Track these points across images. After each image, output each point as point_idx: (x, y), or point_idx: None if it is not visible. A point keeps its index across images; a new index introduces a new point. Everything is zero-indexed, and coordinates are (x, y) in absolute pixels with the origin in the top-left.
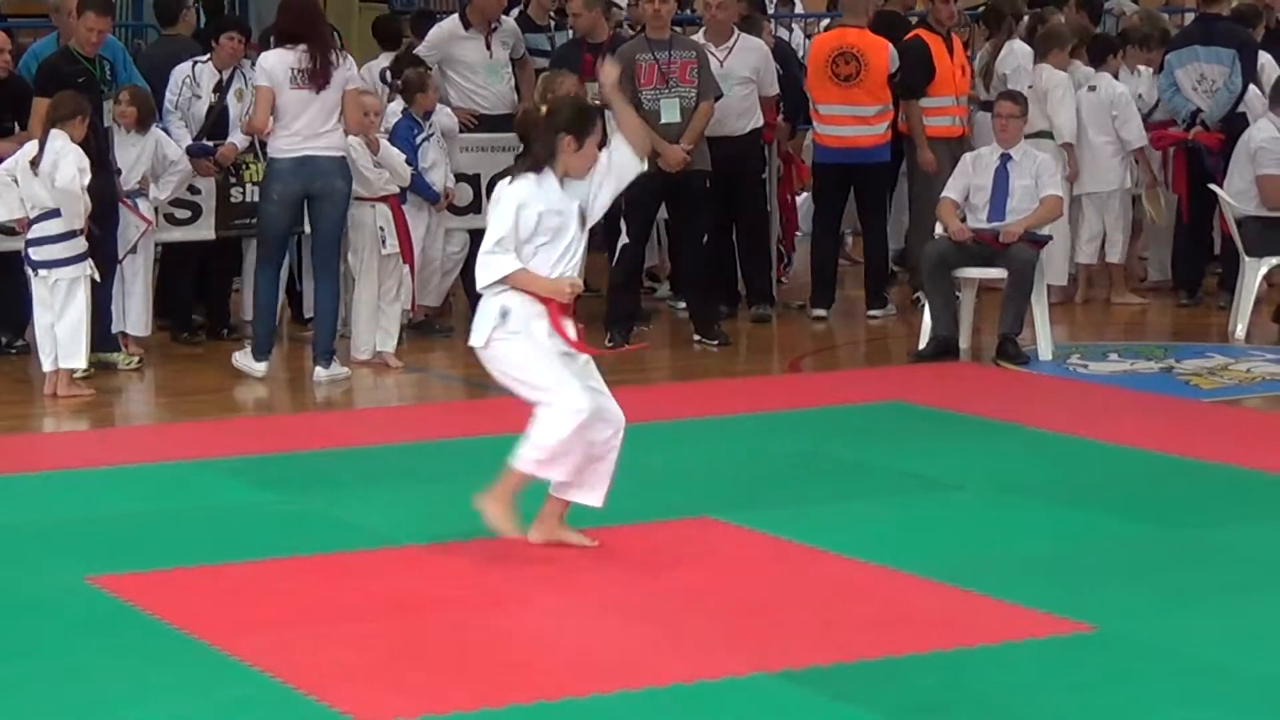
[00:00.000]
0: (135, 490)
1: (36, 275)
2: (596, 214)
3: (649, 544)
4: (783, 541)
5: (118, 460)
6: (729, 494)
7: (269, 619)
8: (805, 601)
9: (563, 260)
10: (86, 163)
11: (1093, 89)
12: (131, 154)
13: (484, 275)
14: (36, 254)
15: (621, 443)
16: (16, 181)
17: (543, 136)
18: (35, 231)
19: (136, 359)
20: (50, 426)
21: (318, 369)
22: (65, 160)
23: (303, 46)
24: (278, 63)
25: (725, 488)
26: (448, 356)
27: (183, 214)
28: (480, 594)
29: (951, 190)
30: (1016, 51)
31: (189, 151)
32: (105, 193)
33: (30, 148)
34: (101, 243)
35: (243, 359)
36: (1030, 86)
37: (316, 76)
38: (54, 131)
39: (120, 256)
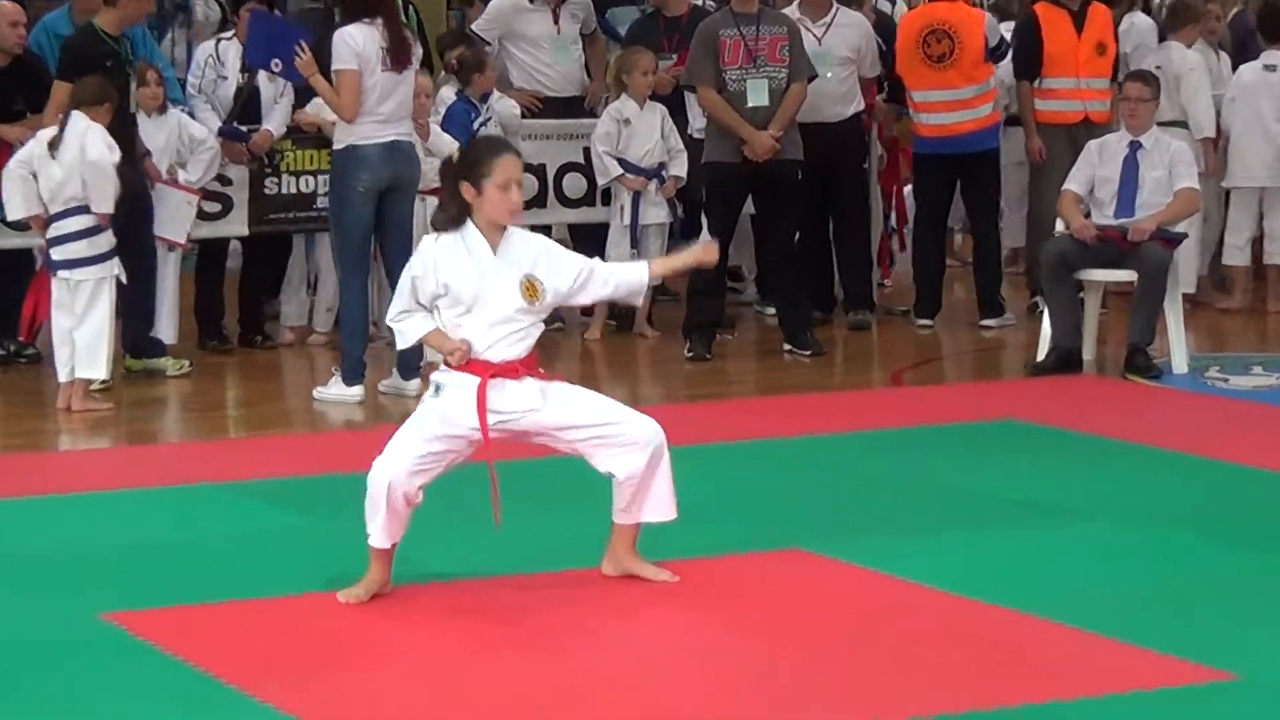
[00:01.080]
0: (155, 516)
1: (55, 276)
2: (566, 301)
3: (733, 579)
4: (883, 576)
5: (137, 483)
6: (823, 523)
7: (301, 660)
8: (907, 645)
9: (498, 329)
10: (113, 141)
11: (1271, 68)
12: (159, 138)
13: (400, 341)
14: (58, 253)
15: (664, 454)
16: (35, 176)
17: (448, 186)
18: (55, 230)
19: (187, 364)
20: (64, 444)
21: (357, 388)
22: (93, 134)
23: (380, 21)
24: (366, 41)
25: (818, 516)
26: None
27: (212, 208)
28: (540, 633)
29: (1074, 182)
30: (1138, 27)
31: (221, 134)
32: (135, 184)
33: (46, 133)
34: (135, 238)
35: (333, 390)
36: (1158, 68)
37: (400, 55)
38: (75, 113)
39: (183, 240)
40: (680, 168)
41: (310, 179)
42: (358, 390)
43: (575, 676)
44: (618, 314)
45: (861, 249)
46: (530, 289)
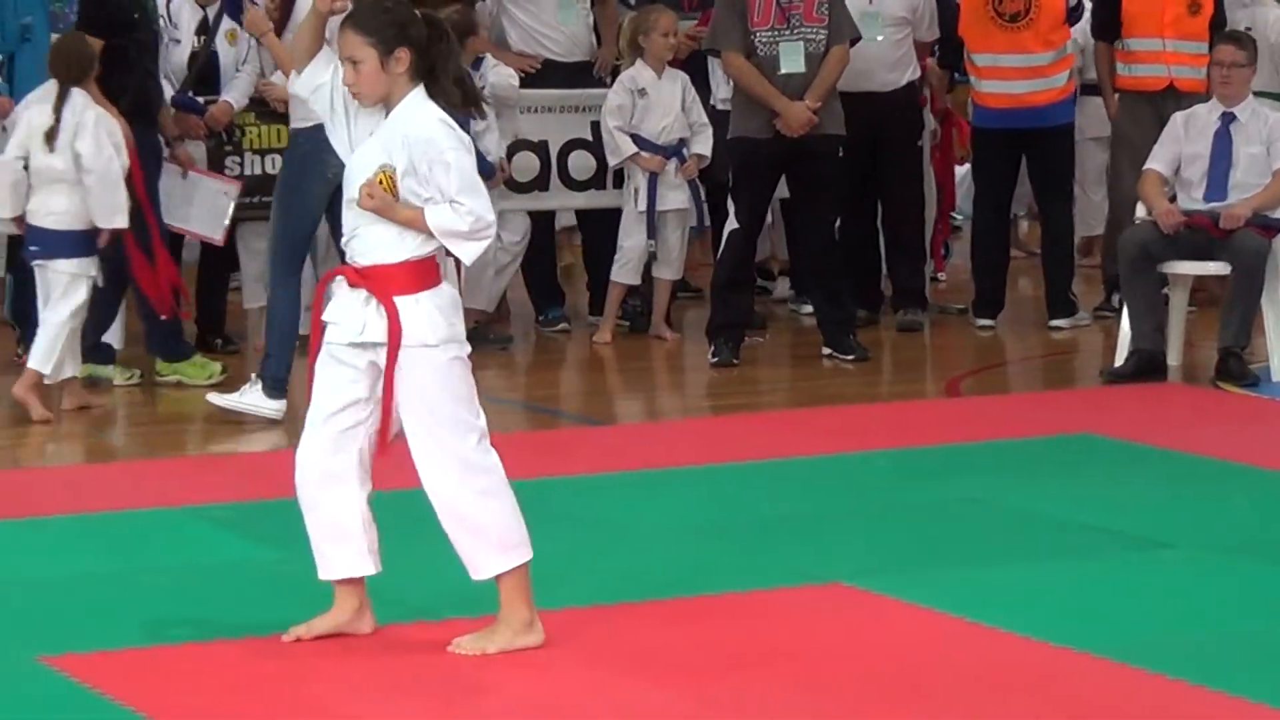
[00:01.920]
0: (104, 544)
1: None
2: None
3: (763, 618)
4: (936, 614)
5: (83, 507)
6: (867, 554)
7: (271, 711)
8: (964, 691)
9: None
10: (121, 135)
11: None
12: None
13: None
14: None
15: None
16: (26, 167)
17: None
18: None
19: (138, 374)
20: (3, 462)
21: (280, 401)
22: (99, 128)
23: None
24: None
25: (863, 546)
26: (504, 375)
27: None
28: (546, 684)
29: (1157, 161)
30: None
31: (174, 105)
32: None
33: (39, 116)
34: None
35: (249, 398)
36: (1248, 29)
37: None
38: (73, 91)
39: (219, 237)
40: (704, 145)
41: (277, 158)
42: (281, 404)
43: None
44: (631, 314)
45: (913, 239)
46: (381, 185)
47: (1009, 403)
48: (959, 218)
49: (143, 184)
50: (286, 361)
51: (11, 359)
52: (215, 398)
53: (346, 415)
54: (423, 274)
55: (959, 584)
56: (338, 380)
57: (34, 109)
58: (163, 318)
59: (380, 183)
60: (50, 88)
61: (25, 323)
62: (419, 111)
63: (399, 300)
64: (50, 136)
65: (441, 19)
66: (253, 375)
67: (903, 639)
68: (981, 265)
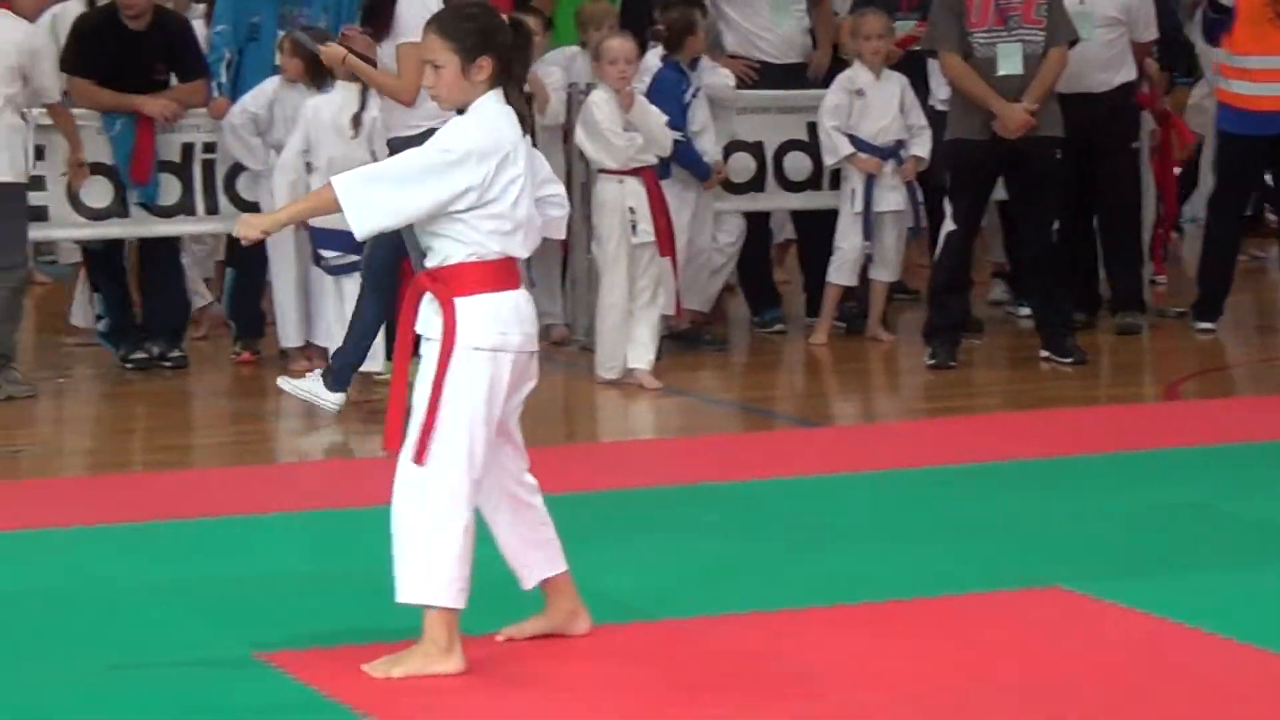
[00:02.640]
0: (313, 543)
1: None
2: None
3: (980, 621)
4: (1157, 620)
5: (289, 505)
6: (1087, 558)
7: (481, 709)
8: (1187, 698)
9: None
10: None
11: None
12: None
13: None
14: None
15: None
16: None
17: None
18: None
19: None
20: (209, 460)
21: (339, 395)
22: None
23: None
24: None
25: (1082, 550)
26: (719, 376)
27: None
28: (748, 685)
29: None
30: None
31: None
32: None
33: (340, 96)
34: None
35: (308, 384)
36: None
37: None
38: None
39: None
40: (922, 147)
41: None
42: (339, 398)
43: None
44: (847, 315)
45: (1131, 241)
46: None
47: (1232, 407)
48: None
49: None
50: (354, 362)
51: (230, 356)
52: (283, 381)
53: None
54: (482, 276)
55: (1181, 590)
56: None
57: (320, 103)
58: None
59: None
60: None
61: (243, 319)
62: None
63: (457, 301)
64: (357, 122)
65: (526, 22)
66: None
67: (1123, 644)
68: (1210, 269)
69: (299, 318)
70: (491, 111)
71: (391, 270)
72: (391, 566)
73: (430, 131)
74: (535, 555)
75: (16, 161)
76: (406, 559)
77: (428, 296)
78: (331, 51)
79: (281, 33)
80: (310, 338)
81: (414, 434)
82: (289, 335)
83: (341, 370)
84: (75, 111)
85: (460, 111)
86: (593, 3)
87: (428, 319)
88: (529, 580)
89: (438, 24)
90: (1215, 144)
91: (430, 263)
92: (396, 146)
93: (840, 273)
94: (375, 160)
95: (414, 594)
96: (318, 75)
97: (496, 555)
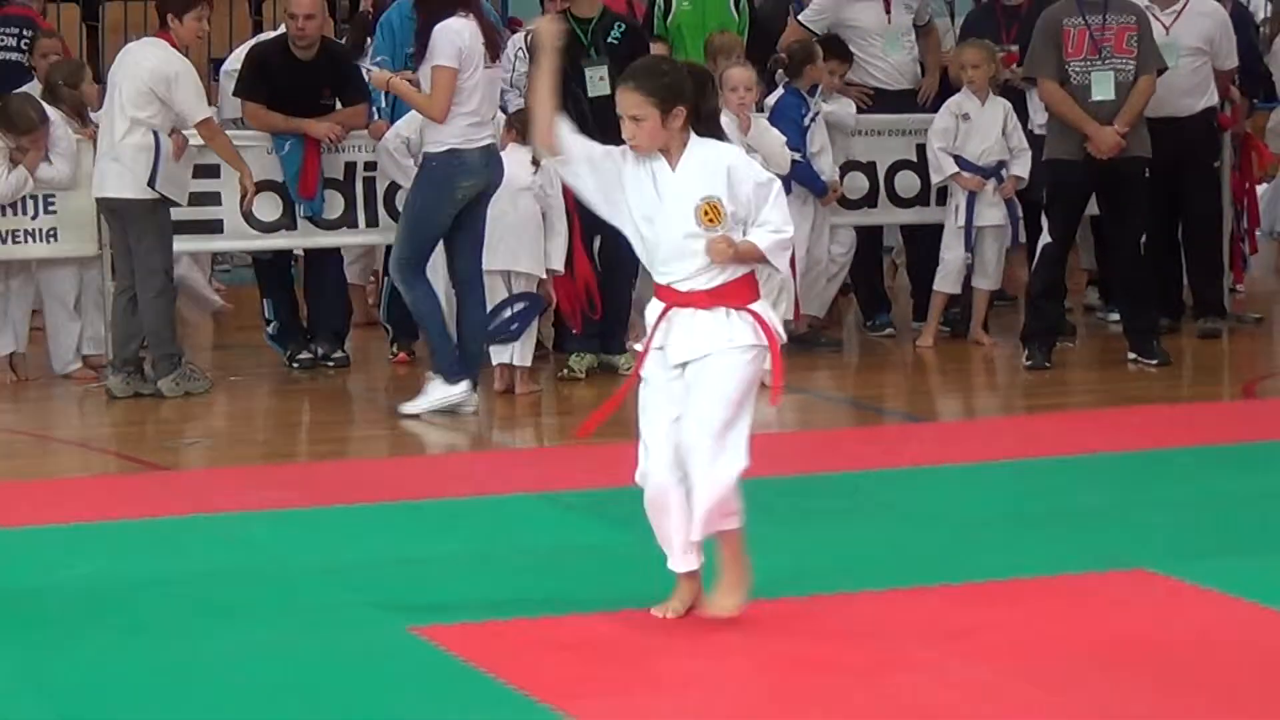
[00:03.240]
0: (463, 527)
1: None
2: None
3: (1072, 600)
4: (1233, 600)
5: (448, 492)
6: (1170, 542)
7: (620, 679)
8: (1259, 671)
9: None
10: None
11: None
12: None
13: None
14: None
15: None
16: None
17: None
18: None
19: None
20: (369, 452)
21: (461, 384)
22: None
23: (472, 14)
24: (472, 36)
25: (1165, 534)
26: (834, 375)
27: None
28: (864, 659)
29: None
30: None
31: None
32: None
33: None
34: None
35: (435, 395)
36: None
37: (494, 49)
38: None
39: None
40: (1022, 167)
41: None
42: (463, 387)
43: (894, 702)
44: (951, 320)
45: (1212, 252)
46: (708, 213)
47: None
48: (1262, 232)
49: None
50: (449, 349)
51: (386, 358)
52: (407, 406)
53: (674, 430)
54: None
55: (1261, 573)
56: (663, 401)
57: None
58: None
59: (706, 212)
60: None
61: (399, 323)
62: (719, 148)
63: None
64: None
65: (705, 70)
66: (428, 376)
67: (1204, 623)
68: None
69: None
70: (725, 144)
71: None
72: (528, 548)
73: (453, 151)
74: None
75: (139, 178)
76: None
77: (702, 311)
78: (378, 76)
79: None
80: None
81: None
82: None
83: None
84: (247, 133)
85: (665, 154)
86: (721, 34)
87: (715, 330)
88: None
89: (634, 81)
90: None
91: (707, 282)
92: (425, 162)
93: (945, 281)
94: None
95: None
96: None
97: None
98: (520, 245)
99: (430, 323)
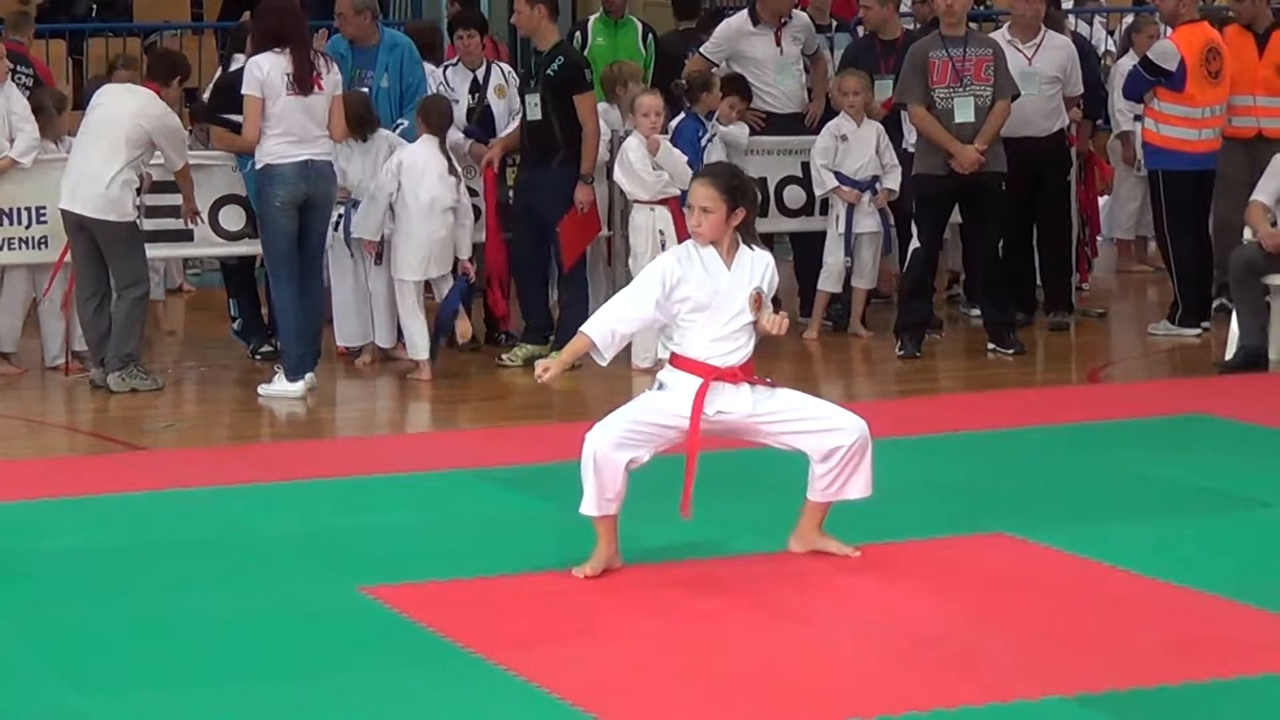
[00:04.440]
0: (408, 499)
1: None
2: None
3: (939, 561)
4: (1080, 559)
5: (393, 469)
6: (1024, 510)
7: (548, 634)
8: (1103, 623)
9: (722, 336)
10: None
11: None
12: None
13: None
14: None
15: (868, 442)
16: None
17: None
18: None
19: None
20: (325, 433)
21: (298, 383)
22: None
23: (288, 50)
24: (271, 69)
25: (1020, 503)
26: None
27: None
28: (766, 614)
29: (1263, 193)
30: None
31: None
32: None
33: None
34: None
35: (276, 386)
36: None
37: (305, 81)
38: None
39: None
40: (893, 181)
41: None
42: (300, 386)
43: (791, 652)
44: (833, 316)
45: (1062, 255)
46: (757, 301)
47: (1140, 389)
48: (1102, 238)
49: None
50: (298, 350)
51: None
52: (262, 388)
53: (642, 446)
54: None
55: (1100, 535)
56: (653, 432)
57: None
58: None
59: (756, 300)
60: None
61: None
62: (760, 253)
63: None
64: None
65: (752, 183)
66: (275, 368)
67: (1052, 580)
68: (1186, 281)
69: (359, 321)
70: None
71: (288, 260)
72: (466, 518)
73: (268, 167)
74: None
75: (124, 206)
76: (867, 473)
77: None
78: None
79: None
80: (372, 339)
81: None
82: (349, 336)
83: (292, 361)
84: (214, 153)
85: (717, 248)
86: (619, 64)
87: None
88: None
89: (712, 178)
90: (1159, 184)
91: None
92: (257, 178)
93: (828, 282)
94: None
95: (868, 489)
96: (361, 130)
97: None
98: (435, 255)
99: (282, 323)
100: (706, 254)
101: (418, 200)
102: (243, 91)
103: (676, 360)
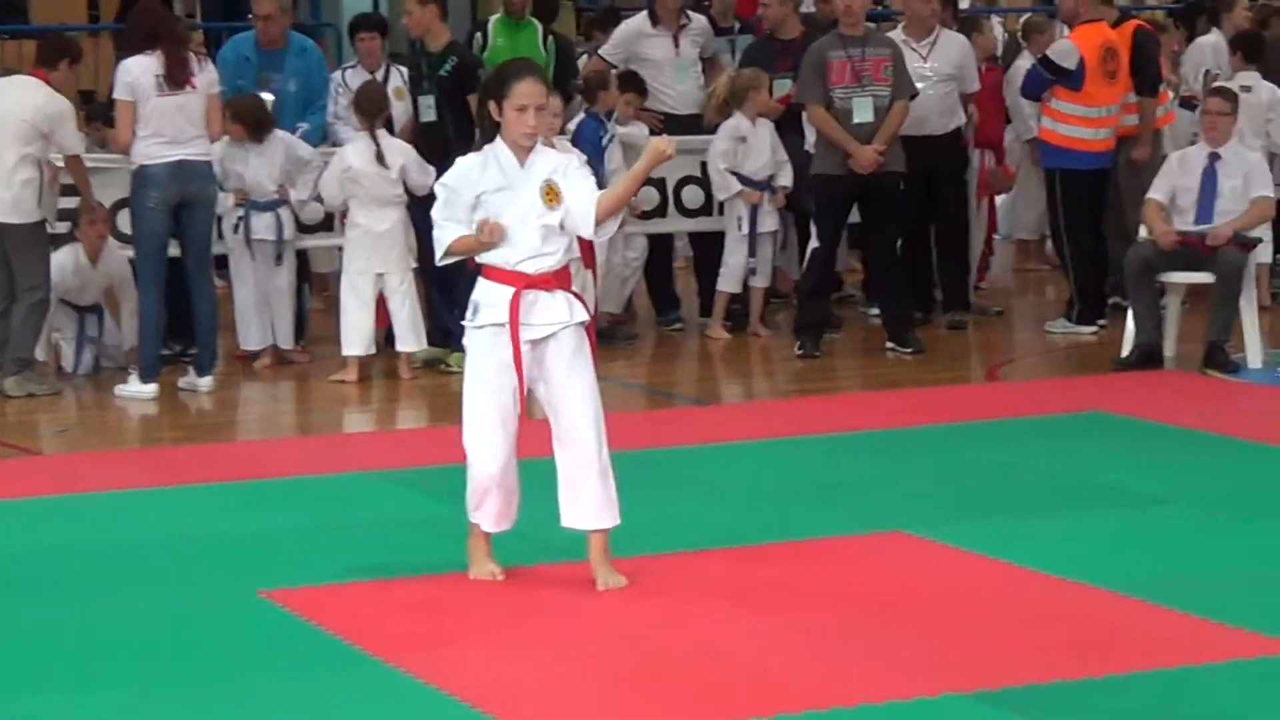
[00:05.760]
0: (307, 503)
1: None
2: (572, 223)
3: (840, 559)
4: (979, 557)
5: (293, 472)
6: (923, 508)
7: (447, 635)
8: (1001, 620)
9: (528, 241)
10: None
11: (1247, 89)
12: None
13: (437, 248)
14: None
15: (597, 457)
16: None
17: (482, 104)
18: None
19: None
20: (224, 436)
21: (204, 379)
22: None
23: (159, 51)
24: (140, 71)
25: (919, 501)
26: (629, 364)
27: None
28: (663, 612)
29: (1157, 191)
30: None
31: None
32: None
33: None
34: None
35: (131, 388)
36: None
37: (177, 80)
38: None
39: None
40: (787, 178)
41: None
42: (153, 388)
43: (691, 650)
44: (733, 315)
45: (960, 254)
46: (550, 193)
47: (1038, 386)
48: (999, 237)
49: None
50: (150, 354)
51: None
52: (118, 389)
53: (508, 412)
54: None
55: (998, 532)
56: (506, 392)
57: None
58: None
59: (549, 193)
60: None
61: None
62: (554, 152)
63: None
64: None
65: None
66: (130, 369)
67: (952, 577)
68: (1084, 280)
69: (259, 323)
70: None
71: (156, 263)
72: (364, 520)
73: (141, 168)
74: None
75: (28, 205)
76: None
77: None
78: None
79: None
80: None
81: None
82: (249, 339)
83: (147, 364)
84: (114, 155)
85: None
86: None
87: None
88: None
89: (541, 75)
90: (1057, 182)
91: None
92: (132, 178)
93: (728, 282)
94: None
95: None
96: (257, 133)
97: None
98: (389, 250)
99: (143, 325)
100: (502, 155)
101: (363, 197)
102: (113, 95)
103: (488, 271)
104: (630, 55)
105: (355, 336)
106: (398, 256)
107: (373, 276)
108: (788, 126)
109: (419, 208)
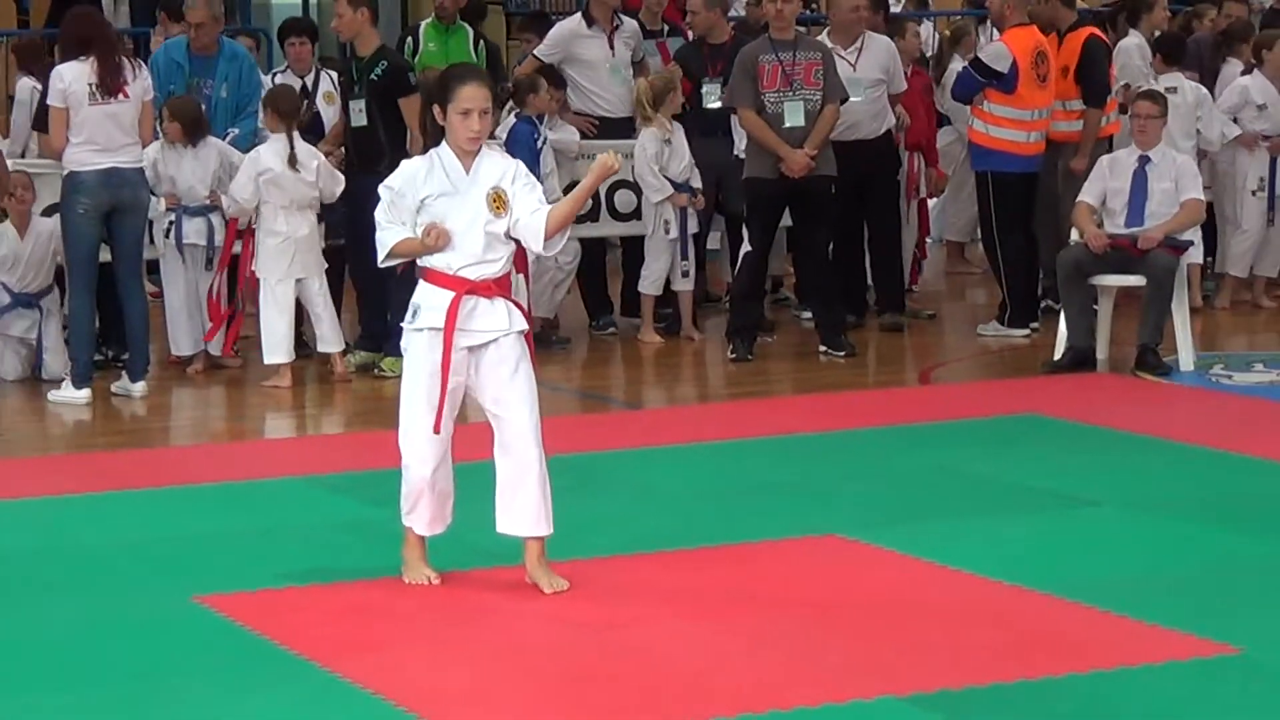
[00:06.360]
0: (241, 508)
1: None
2: (519, 231)
3: (774, 563)
4: (913, 560)
5: (226, 477)
6: (857, 511)
7: (381, 639)
8: (936, 623)
9: (471, 246)
10: None
11: (1172, 90)
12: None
13: (379, 251)
14: None
15: (533, 470)
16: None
17: (425, 109)
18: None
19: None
20: (158, 441)
21: (137, 385)
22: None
23: (93, 57)
24: (73, 78)
25: (853, 504)
26: (562, 369)
27: None
28: (598, 616)
29: (1088, 194)
30: (1129, 50)
31: None
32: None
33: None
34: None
35: (65, 393)
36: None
37: (111, 87)
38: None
39: None
40: (698, 180)
41: None
42: (86, 393)
43: (625, 654)
44: (665, 318)
45: (893, 256)
46: (497, 200)
47: (971, 389)
48: (931, 240)
49: None
50: (82, 360)
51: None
52: (51, 394)
53: (449, 418)
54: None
55: (933, 535)
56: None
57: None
58: None
59: (495, 200)
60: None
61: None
62: (502, 156)
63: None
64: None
65: None
66: (64, 374)
67: (886, 580)
68: (1016, 282)
69: (191, 328)
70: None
71: (87, 268)
72: (297, 525)
73: (72, 174)
74: None
75: None
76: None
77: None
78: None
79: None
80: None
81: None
82: (181, 344)
83: (80, 369)
84: (42, 161)
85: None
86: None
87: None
88: None
89: (486, 80)
90: (989, 185)
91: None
92: (63, 184)
93: (651, 285)
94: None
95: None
96: (193, 135)
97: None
98: (308, 254)
99: (74, 330)
100: (447, 159)
101: (281, 200)
102: (47, 102)
103: (429, 275)
104: (566, 56)
105: (278, 345)
106: (315, 260)
107: (292, 283)
108: (717, 131)
109: (331, 212)
